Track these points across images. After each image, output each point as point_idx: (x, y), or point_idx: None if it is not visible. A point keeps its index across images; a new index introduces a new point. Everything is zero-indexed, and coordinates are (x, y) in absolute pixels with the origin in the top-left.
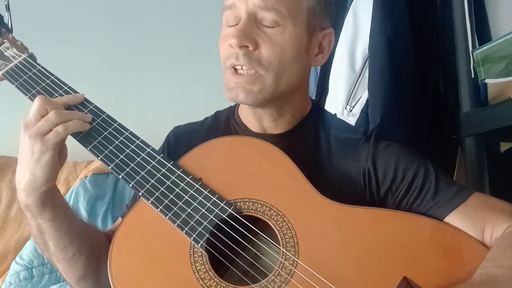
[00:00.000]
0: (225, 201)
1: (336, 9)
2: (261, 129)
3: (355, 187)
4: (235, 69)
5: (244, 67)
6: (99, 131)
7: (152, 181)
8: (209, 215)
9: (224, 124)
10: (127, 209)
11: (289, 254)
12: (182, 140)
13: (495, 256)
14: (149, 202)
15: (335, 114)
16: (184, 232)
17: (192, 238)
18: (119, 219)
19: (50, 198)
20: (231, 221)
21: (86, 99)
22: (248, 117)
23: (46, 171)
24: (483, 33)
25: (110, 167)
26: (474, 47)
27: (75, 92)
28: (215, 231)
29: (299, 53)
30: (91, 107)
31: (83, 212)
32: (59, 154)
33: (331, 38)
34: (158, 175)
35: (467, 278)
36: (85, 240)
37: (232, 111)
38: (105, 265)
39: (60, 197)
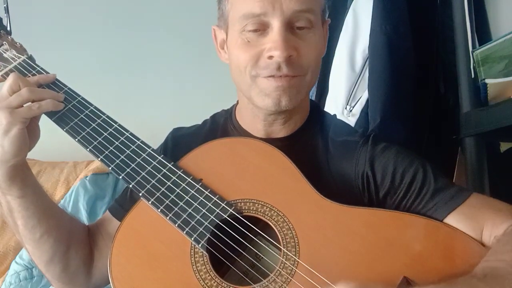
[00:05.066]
0: (225, 202)
1: (336, 9)
2: (265, 134)
3: (353, 190)
4: (271, 77)
5: (291, 74)
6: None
7: (153, 181)
8: (210, 215)
9: (222, 127)
10: (116, 203)
11: (290, 254)
12: (180, 143)
13: (496, 250)
14: (150, 202)
15: (335, 114)
16: (184, 232)
17: (192, 238)
18: (107, 213)
19: (19, 174)
20: (232, 221)
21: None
22: (252, 122)
23: (14, 144)
24: (483, 33)
25: (110, 168)
26: (474, 47)
27: (75, 93)
28: (216, 231)
29: (323, 52)
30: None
31: (83, 212)
32: (31, 132)
33: (327, 28)
34: (159, 175)
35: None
36: (55, 222)
37: (229, 113)
38: (75, 252)
39: (30, 175)
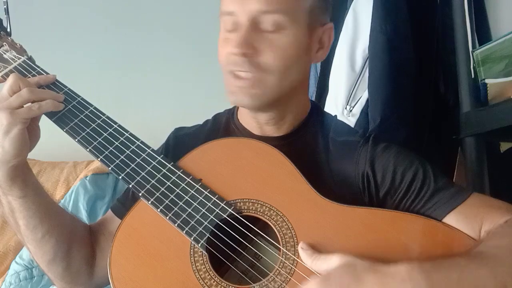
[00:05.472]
0: (225, 201)
1: (336, 9)
2: (261, 132)
3: (354, 190)
4: (236, 74)
5: (245, 72)
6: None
7: (153, 181)
8: (209, 215)
9: (224, 126)
10: (118, 202)
11: (289, 253)
12: (182, 143)
13: (487, 239)
14: (149, 202)
15: (336, 115)
16: (184, 232)
17: (192, 238)
18: (109, 211)
19: (20, 174)
20: (231, 221)
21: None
22: (248, 120)
23: (14, 144)
24: (483, 33)
25: (110, 168)
26: (474, 47)
27: (74, 93)
28: (215, 230)
29: (300, 55)
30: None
31: (83, 212)
32: (31, 133)
33: (331, 32)
34: (158, 175)
35: None
36: (56, 222)
37: (231, 113)
38: (77, 252)
39: (31, 175)
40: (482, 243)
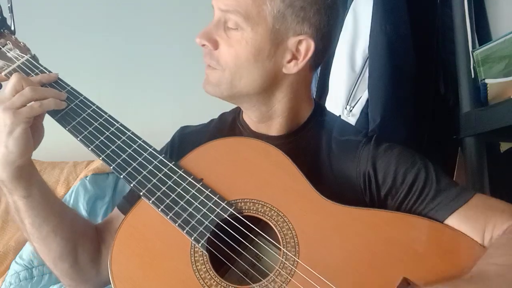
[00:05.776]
0: (226, 201)
1: (336, 10)
2: (257, 129)
3: (355, 189)
4: (206, 64)
5: (209, 63)
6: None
7: (154, 180)
8: (210, 214)
9: (230, 125)
10: (124, 199)
11: (289, 254)
12: (187, 141)
13: (489, 254)
14: (150, 201)
15: (340, 115)
16: (185, 231)
17: (193, 238)
18: (115, 209)
19: (25, 175)
20: (232, 221)
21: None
22: (245, 116)
23: (18, 144)
24: (483, 33)
25: (111, 167)
26: (474, 47)
27: (77, 92)
28: (216, 230)
29: (258, 59)
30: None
31: (83, 212)
32: (35, 131)
33: (309, 45)
34: (160, 174)
35: None
36: (61, 220)
37: (237, 111)
38: (82, 249)
39: (36, 175)
40: (484, 258)
